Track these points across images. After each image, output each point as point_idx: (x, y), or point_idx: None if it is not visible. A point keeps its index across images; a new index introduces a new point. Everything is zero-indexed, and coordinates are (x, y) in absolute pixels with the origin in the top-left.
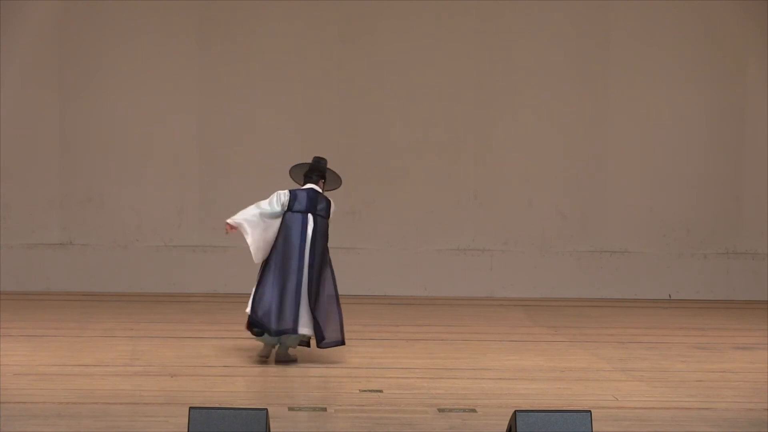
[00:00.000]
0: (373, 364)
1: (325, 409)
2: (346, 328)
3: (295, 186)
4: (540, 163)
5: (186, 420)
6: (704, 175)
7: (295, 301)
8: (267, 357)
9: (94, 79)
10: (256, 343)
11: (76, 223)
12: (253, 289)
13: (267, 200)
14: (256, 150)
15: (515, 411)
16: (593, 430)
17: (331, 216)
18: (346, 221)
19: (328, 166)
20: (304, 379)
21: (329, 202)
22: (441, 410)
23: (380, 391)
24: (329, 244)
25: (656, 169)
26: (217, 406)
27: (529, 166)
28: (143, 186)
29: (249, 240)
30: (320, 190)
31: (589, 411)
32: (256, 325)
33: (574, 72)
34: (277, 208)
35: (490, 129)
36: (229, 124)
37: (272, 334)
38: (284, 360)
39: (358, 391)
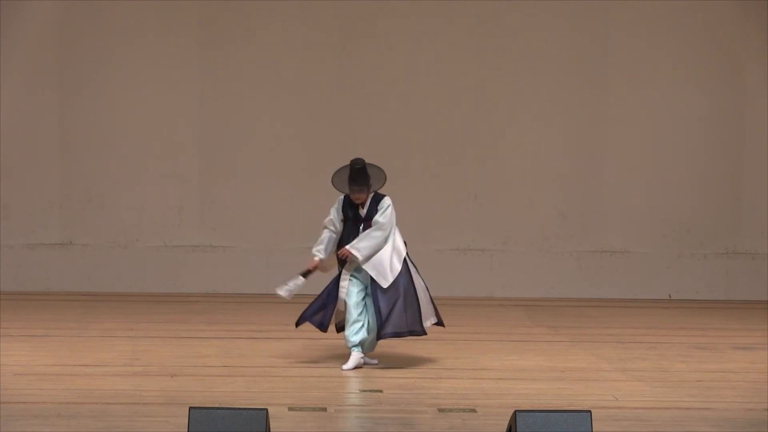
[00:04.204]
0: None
1: (325, 409)
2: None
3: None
4: (540, 163)
5: (186, 420)
6: (704, 175)
7: None
8: None
9: (94, 80)
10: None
11: (76, 223)
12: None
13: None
14: (256, 150)
15: (515, 411)
16: (593, 430)
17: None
18: None
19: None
20: (304, 379)
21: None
22: (441, 410)
23: (380, 391)
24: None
25: (656, 169)
26: (217, 406)
27: (529, 166)
28: (143, 186)
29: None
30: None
31: (589, 411)
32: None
33: (574, 72)
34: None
35: (490, 129)
36: (229, 124)
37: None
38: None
39: (358, 391)
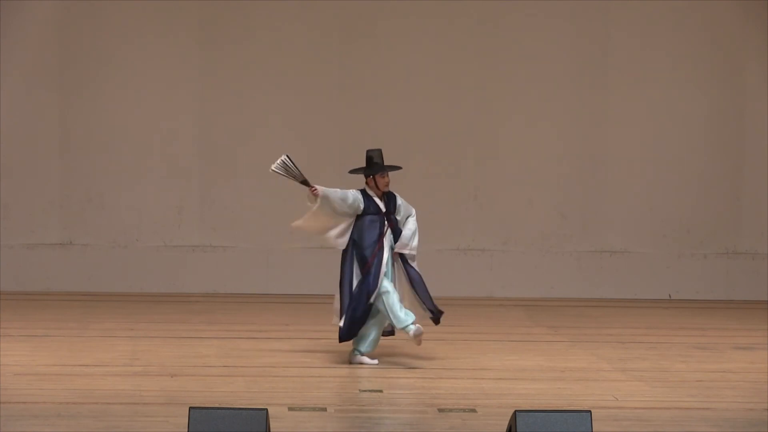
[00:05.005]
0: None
1: (325, 409)
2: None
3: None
4: (540, 163)
5: (186, 420)
6: (704, 175)
7: None
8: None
9: (94, 79)
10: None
11: (76, 223)
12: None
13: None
14: (256, 149)
15: (515, 411)
16: (593, 430)
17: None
18: None
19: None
20: (304, 379)
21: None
22: (441, 410)
23: (380, 391)
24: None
25: (656, 169)
26: (217, 406)
27: (529, 166)
28: (143, 186)
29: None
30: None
31: (589, 411)
32: None
33: (574, 72)
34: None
35: (491, 129)
36: (229, 124)
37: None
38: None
39: (358, 391)
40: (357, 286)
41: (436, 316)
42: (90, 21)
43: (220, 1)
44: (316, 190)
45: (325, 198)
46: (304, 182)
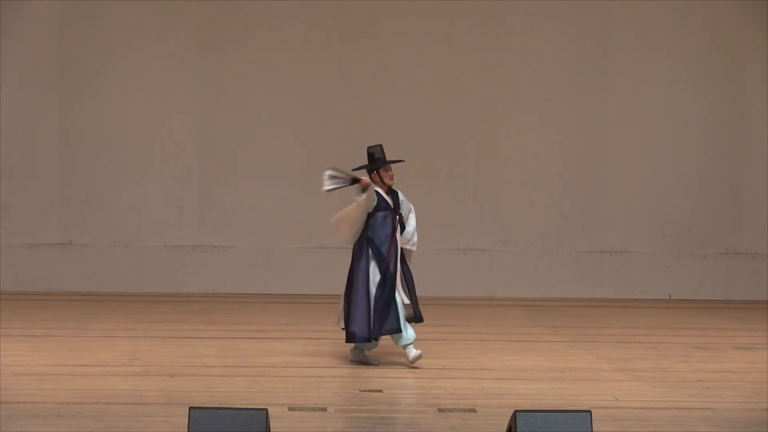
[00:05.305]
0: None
1: (325, 409)
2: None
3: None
4: (540, 163)
5: (186, 420)
6: (704, 175)
7: None
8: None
9: (94, 79)
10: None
11: (76, 223)
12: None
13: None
14: (256, 149)
15: (515, 411)
16: (593, 430)
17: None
18: None
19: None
20: (304, 379)
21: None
22: (441, 410)
23: (380, 391)
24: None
25: (656, 169)
26: (217, 406)
27: (529, 166)
28: (143, 186)
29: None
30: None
31: (589, 411)
32: None
33: (574, 72)
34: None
35: (491, 129)
36: (229, 124)
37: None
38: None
39: (358, 391)
40: (378, 288)
41: (416, 321)
42: (90, 21)
43: (220, 1)
44: (366, 179)
45: (370, 186)
46: (354, 180)
